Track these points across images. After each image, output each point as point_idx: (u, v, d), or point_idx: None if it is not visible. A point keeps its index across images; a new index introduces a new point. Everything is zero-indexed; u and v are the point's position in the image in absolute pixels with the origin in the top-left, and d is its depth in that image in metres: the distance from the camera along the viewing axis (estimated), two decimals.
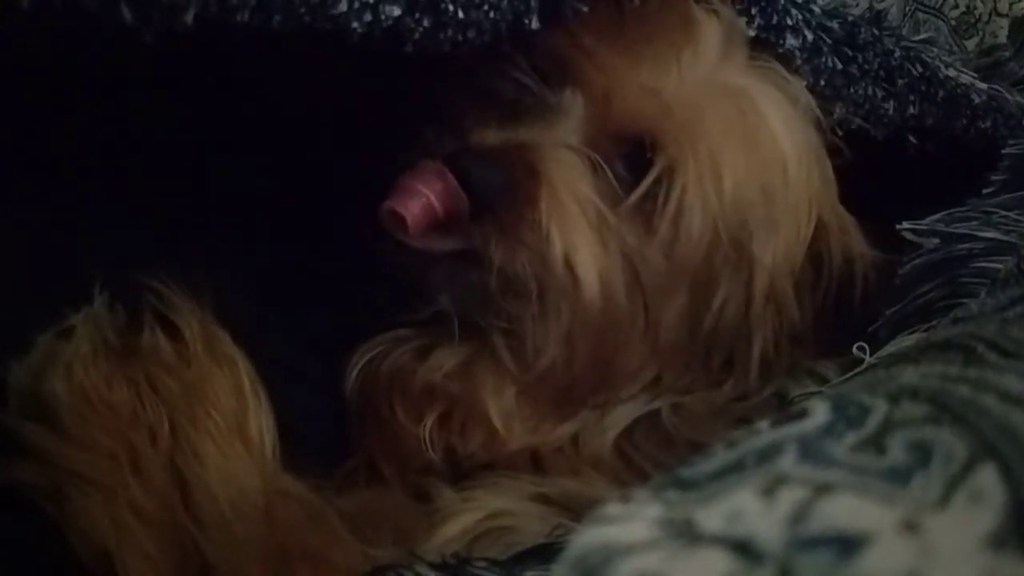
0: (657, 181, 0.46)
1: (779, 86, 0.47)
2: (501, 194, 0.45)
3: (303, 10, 0.33)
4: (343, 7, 0.34)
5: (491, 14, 0.38)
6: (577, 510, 0.42)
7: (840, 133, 0.49)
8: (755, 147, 0.46)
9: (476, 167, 0.45)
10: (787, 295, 0.48)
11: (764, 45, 0.47)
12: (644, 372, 0.49)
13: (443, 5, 0.37)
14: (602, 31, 0.45)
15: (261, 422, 0.44)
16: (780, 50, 0.47)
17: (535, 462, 0.48)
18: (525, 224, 0.45)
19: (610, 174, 0.46)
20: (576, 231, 0.45)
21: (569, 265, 0.45)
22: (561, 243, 0.44)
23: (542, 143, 0.46)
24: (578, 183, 0.46)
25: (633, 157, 0.46)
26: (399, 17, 0.35)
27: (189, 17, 0.31)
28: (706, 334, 0.48)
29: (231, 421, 0.43)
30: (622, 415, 0.49)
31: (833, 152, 0.49)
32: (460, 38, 0.38)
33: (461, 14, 0.37)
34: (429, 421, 0.48)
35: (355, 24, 0.34)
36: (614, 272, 0.46)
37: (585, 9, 0.41)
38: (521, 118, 0.47)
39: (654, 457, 0.48)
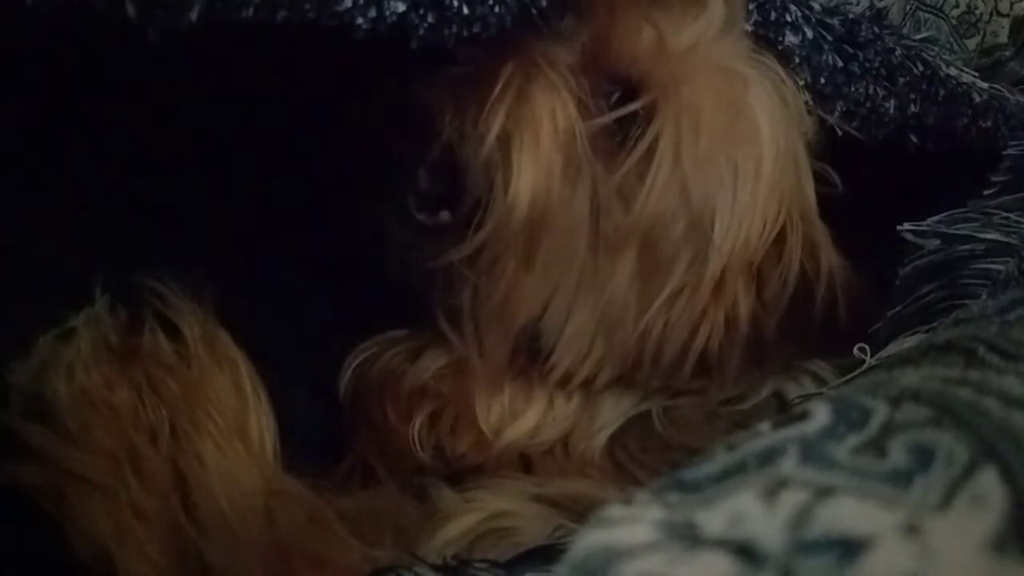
0: (633, 117, 0.44)
1: (774, 83, 0.47)
2: (474, 73, 0.44)
3: (308, 6, 0.33)
4: (348, 3, 0.34)
5: (496, 9, 0.38)
6: (578, 511, 0.42)
7: (835, 132, 0.49)
8: (735, 127, 0.45)
9: (463, 47, 0.43)
10: (737, 292, 0.47)
11: (764, 43, 0.47)
12: (590, 352, 0.47)
13: (447, 1, 0.36)
14: None
15: (261, 422, 0.44)
16: (779, 47, 0.47)
17: (524, 465, 0.48)
18: (477, 100, 0.43)
19: (592, 105, 0.45)
20: (527, 129, 0.43)
21: (505, 158, 0.43)
22: (503, 130, 0.43)
23: (542, 48, 0.45)
24: (556, 93, 0.44)
25: (621, 100, 0.45)
26: (403, 13, 0.35)
27: (194, 14, 0.31)
28: (657, 323, 0.46)
29: (231, 422, 0.43)
30: (611, 416, 0.49)
31: (820, 180, 0.49)
32: (465, 33, 0.38)
33: (466, 10, 0.37)
34: (418, 421, 0.48)
35: (359, 20, 0.34)
36: (575, 201, 0.44)
37: None
38: (527, 26, 0.45)
39: (647, 463, 0.47)
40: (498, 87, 0.43)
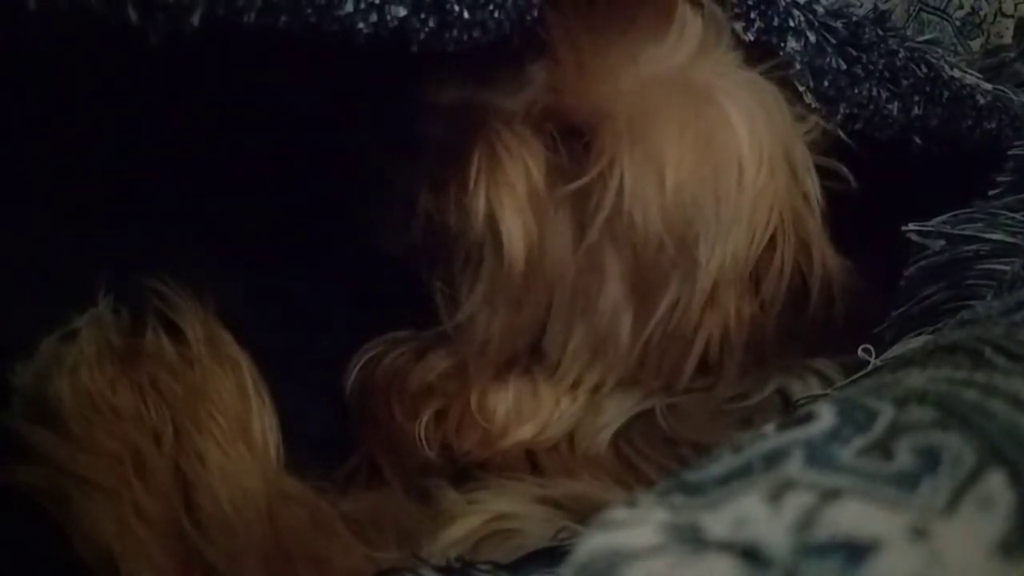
0: (599, 176, 0.45)
1: (753, 91, 0.47)
2: (440, 147, 0.46)
3: (309, 11, 0.33)
4: (349, 8, 0.34)
5: (496, 13, 0.38)
6: (582, 513, 0.42)
7: (845, 135, 0.49)
8: (708, 148, 0.45)
9: (425, 119, 0.46)
10: (729, 303, 0.47)
11: (766, 49, 0.47)
12: (593, 362, 0.49)
13: (448, 5, 0.37)
14: (584, 10, 0.45)
15: (264, 424, 0.44)
16: (781, 53, 0.47)
17: (531, 461, 0.49)
18: (455, 179, 0.45)
19: (563, 152, 0.46)
20: (506, 194, 0.45)
21: (493, 225, 0.45)
22: (487, 202, 0.45)
23: (497, 108, 0.46)
24: (522, 152, 0.46)
25: (581, 143, 0.46)
26: (405, 17, 0.35)
27: (196, 19, 0.31)
28: (655, 334, 0.47)
29: (234, 423, 0.43)
30: (614, 413, 0.49)
31: (832, 175, 0.48)
32: (465, 38, 0.38)
33: (467, 14, 0.37)
34: (424, 418, 0.49)
35: (361, 25, 0.34)
36: (549, 243, 0.46)
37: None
38: (484, 82, 0.47)
39: (652, 458, 0.47)
40: (472, 167, 0.45)
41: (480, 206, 0.45)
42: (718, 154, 0.45)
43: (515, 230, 0.45)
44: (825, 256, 0.48)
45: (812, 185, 0.48)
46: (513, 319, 0.48)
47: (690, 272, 0.46)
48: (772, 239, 0.47)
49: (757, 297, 0.48)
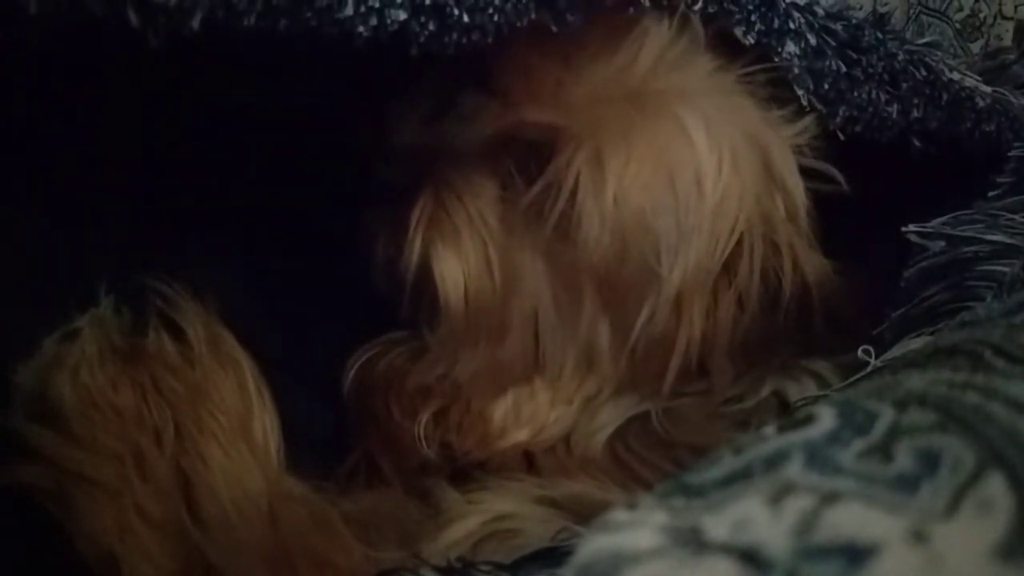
0: (547, 189, 0.45)
1: (719, 97, 0.46)
2: (395, 193, 0.47)
3: (309, 14, 0.33)
4: (349, 11, 0.34)
5: (495, 17, 0.38)
6: (582, 514, 0.42)
7: (844, 137, 0.49)
8: (659, 158, 0.45)
9: (381, 165, 0.48)
10: (699, 308, 0.47)
11: (762, 50, 0.47)
12: (588, 375, 0.49)
13: (448, 9, 0.37)
14: (537, 29, 0.45)
15: (265, 423, 0.44)
16: (777, 58, 0.46)
17: (528, 462, 0.49)
18: (403, 225, 0.47)
19: (518, 179, 0.47)
20: (444, 241, 0.46)
21: (428, 270, 0.46)
22: (423, 249, 0.46)
23: (452, 144, 0.47)
24: (471, 196, 0.46)
25: (536, 169, 0.47)
26: (404, 21, 0.35)
27: (196, 22, 0.31)
28: (639, 346, 0.47)
29: (235, 423, 0.43)
30: (610, 417, 0.49)
31: (824, 178, 0.48)
32: (464, 41, 0.38)
33: (466, 18, 0.37)
34: (424, 417, 0.49)
35: (361, 28, 0.34)
36: (519, 271, 0.47)
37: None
38: (443, 116, 0.48)
39: (648, 460, 0.47)
40: (415, 214, 0.46)
41: (415, 252, 0.46)
42: (673, 164, 0.45)
43: (449, 275, 0.46)
44: (800, 258, 0.48)
45: (795, 188, 0.47)
46: (498, 351, 0.48)
47: (655, 282, 0.46)
48: (740, 244, 0.46)
49: (730, 300, 0.48)
